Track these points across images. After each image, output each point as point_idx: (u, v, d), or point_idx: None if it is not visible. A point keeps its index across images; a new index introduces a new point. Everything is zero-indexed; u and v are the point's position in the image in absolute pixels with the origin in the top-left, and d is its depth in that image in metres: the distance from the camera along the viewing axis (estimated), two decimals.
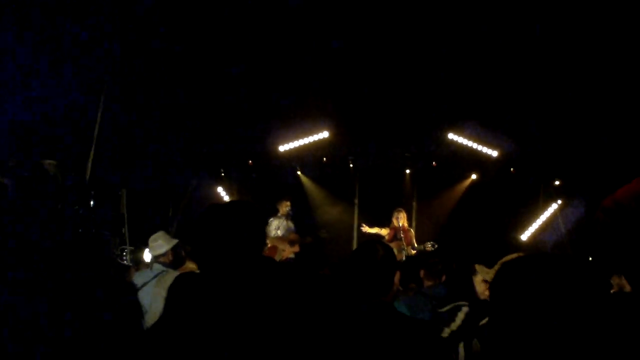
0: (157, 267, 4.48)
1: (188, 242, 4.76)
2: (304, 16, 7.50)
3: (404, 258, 8.45)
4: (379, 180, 10.87)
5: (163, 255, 4.65)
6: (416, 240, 9.11)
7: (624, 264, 1.28)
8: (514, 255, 2.62)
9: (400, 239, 8.75)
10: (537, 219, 10.66)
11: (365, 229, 9.25)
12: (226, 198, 10.78)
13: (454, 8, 7.32)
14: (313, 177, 11.27)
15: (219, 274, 1.86)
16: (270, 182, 10.73)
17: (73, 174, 6.83)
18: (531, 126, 9.25)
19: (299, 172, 11.23)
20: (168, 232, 5.26)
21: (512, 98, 8.68)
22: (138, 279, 4.36)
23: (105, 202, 8.14)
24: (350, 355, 2.05)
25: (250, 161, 10.89)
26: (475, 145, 10.16)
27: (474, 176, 10.99)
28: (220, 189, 10.98)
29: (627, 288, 3.16)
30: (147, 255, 6.35)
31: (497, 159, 10.28)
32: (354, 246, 10.28)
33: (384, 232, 9.08)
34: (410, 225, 9.56)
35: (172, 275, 4.05)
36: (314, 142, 10.34)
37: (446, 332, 3.35)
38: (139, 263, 6.88)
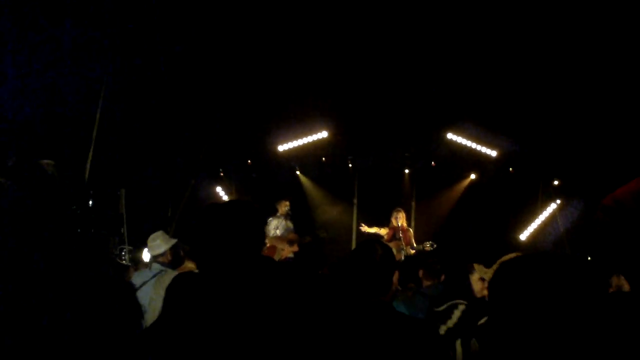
0: (156, 266, 4.48)
1: (187, 242, 4.76)
2: (303, 16, 7.50)
3: (402, 258, 8.45)
4: (378, 180, 10.87)
5: (162, 255, 4.65)
6: (415, 240, 9.11)
7: (623, 263, 1.28)
8: (513, 255, 2.63)
9: (399, 239, 8.74)
10: (536, 218, 10.67)
11: (364, 228, 9.24)
12: (225, 198, 10.78)
13: (453, 8, 7.32)
14: (312, 177, 11.27)
15: (218, 273, 1.86)
16: (269, 181, 10.74)
17: (71, 174, 6.83)
18: (530, 126, 9.25)
19: (298, 172, 11.23)
20: (167, 231, 5.26)
21: (511, 98, 8.68)
22: (137, 278, 4.36)
23: (104, 202, 8.14)
24: (349, 355, 2.05)
25: (249, 161, 10.89)
26: (474, 145, 10.17)
27: (473, 176, 11.00)
28: (219, 189, 10.98)
29: (626, 288, 3.16)
30: (146, 255, 6.35)
31: (496, 159, 10.29)
32: (353, 246, 10.29)
33: (383, 231, 9.08)
34: (409, 225, 9.56)
35: (170, 275, 4.05)
36: (313, 142, 10.34)
37: (443, 330, 3.35)
38: (138, 263, 6.87)
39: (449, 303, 3.51)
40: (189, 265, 4.51)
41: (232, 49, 8.10)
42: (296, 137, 10.25)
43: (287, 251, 7.83)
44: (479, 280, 3.90)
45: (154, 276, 4.30)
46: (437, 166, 10.85)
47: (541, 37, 7.50)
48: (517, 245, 10.25)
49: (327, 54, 8.27)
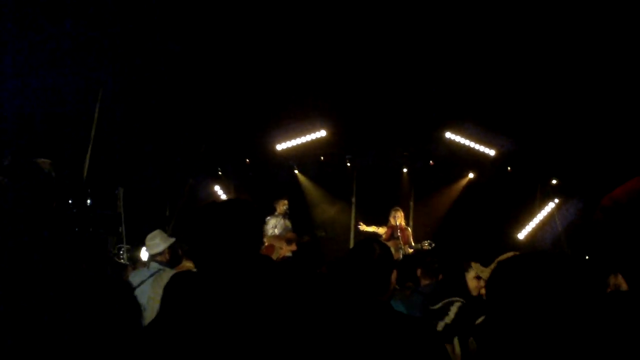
0: (154, 265, 4.48)
1: (185, 241, 4.76)
2: (301, 15, 7.50)
3: (401, 257, 8.45)
4: (377, 179, 10.87)
5: (160, 254, 4.65)
6: (413, 239, 9.12)
7: (622, 263, 1.28)
8: (511, 254, 2.63)
9: (398, 238, 8.75)
10: (534, 217, 10.68)
11: (363, 227, 9.25)
12: (223, 197, 10.78)
13: (451, 7, 7.32)
14: (310, 176, 11.27)
15: (216, 272, 1.86)
16: (267, 180, 10.74)
17: (69, 173, 6.82)
18: (528, 125, 9.26)
19: (296, 171, 11.23)
20: (165, 230, 5.26)
21: (509, 97, 8.69)
22: (135, 277, 4.36)
23: (102, 201, 8.14)
24: (348, 355, 2.05)
25: (247, 160, 10.89)
26: (472, 144, 10.17)
27: (471, 175, 11.01)
28: (217, 188, 10.98)
29: (624, 287, 3.17)
30: (144, 254, 6.35)
31: (494, 158, 10.30)
32: (351, 245, 10.28)
33: (381, 230, 9.08)
34: (407, 224, 9.56)
35: (169, 273, 4.05)
36: (312, 140, 10.34)
37: (441, 326, 3.35)
38: (136, 262, 6.88)
39: (445, 301, 3.52)
40: (187, 264, 4.51)
41: (231, 49, 8.09)
42: (294, 136, 10.25)
43: (285, 250, 7.82)
44: (474, 278, 3.91)
45: (152, 275, 4.30)
46: (435, 165, 10.85)
47: (539, 36, 7.50)
48: (515, 245, 10.26)
49: (326, 53, 8.27)
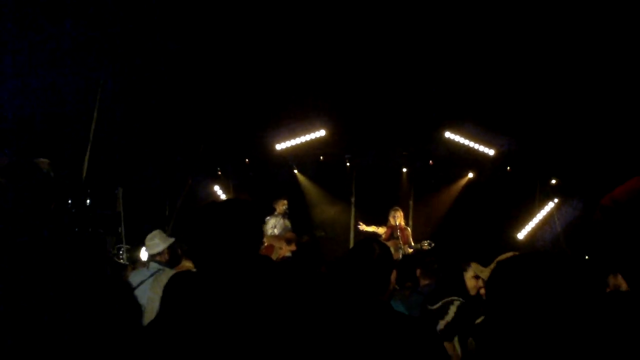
0: (154, 265, 4.48)
1: (184, 241, 4.75)
2: (301, 15, 7.50)
3: (400, 257, 8.45)
4: (376, 178, 10.87)
5: (159, 254, 4.65)
6: (413, 239, 9.12)
7: (622, 263, 1.28)
8: (510, 254, 2.63)
9: (397, 238, 8.75)
10: (533, 217, 10.69)
11: (362, 227, 9.25)
12: (223, 196, 10.78)
13: (451, 7, 7.32)
14: (310, 176, 11.27)
15: (216, 272, 1.86)
16: (267, 180, 10.74)
17: (69, 173, 6.82)
18: (527, 125, 9.26)
19: (295, 171, 11.24)
20: (164, 230, 5.26)
21: (508, 97, 8.69)
22: (134, 277, 4.35)
23: (101, 201, 8.14)
24: (348, 354, 2.05)
25: (247, 160, 10.89)
26: (472, 144, 10.17)
27: (470, 175, 11.01)
28: (217, 188, 10.98)
29: (623, 287, 3.17)
30: (143, 254, 6.35)
31: (493, 158, 10.30)
32: (351, 245, 10.28)
33: (380, 230, 9.08)
34: (407, 224, 9.56)
35: (168, 274, 4.05)
36: (311, 140, 10.33)
37: (442, 325, 3.35)
38: (135, 262, 6.87)
39: (444, 300, 3.52)
40: (187, 264, 4.51)
41: (230, 48, 8.09)
42: (294, 136, 10.24)
43: (284, 250, 7.81)
44: (472, 277, 3.92)
45: (152, 275, 4.30)
46: (435, 165, 10.85)
47: (539, 36, 7.51)
48: (515, 244, 10.27)
49: (325, 52, 8.27)
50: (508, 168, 10.55)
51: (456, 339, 3.37)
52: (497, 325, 1.20)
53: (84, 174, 7.34)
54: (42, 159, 3.95)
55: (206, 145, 10.06)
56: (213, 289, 1.81)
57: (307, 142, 10.35)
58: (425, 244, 8.79)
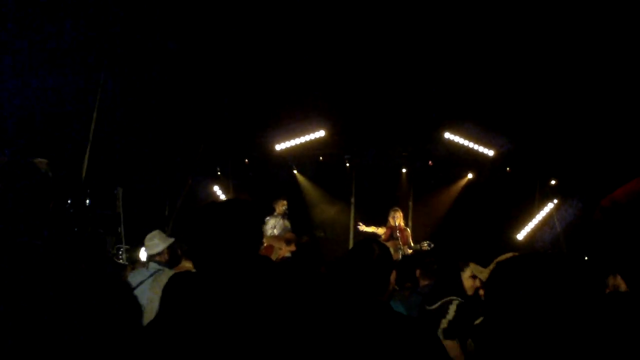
0: (153, 266, 4.47)
1: (184, 241, 4.75)
2: (300, 15, 7.50)
3: (400, 257, 8.45)
4: (376, 179, 10.88)
5: (159, 254, 4.64)
6: (412, 240, 9.12)
7: (622, 264, 1.28)
8: (509, 255, 2.63)
9: (397, 238, 8.75)
10: (533, 218, 10.69)
11: (362, 227, 9.25)
12: (222, 197, 10.77)
13: (450, 7, 7.33)
14: (309, 176, 11.28)
15: (215, 273, 1.86)
16: (266, 181, 10.74)
17: (68, 173, 6.82)
18: (527, 125, 9.26)
19: (295, 171, 11.24)
20: (164, 231, 5.26)
21: (508, 97, 8.69)
22: (134, 277, 4.35)
23: (101, 201, 8.13)
24: (347, 355, 2.05)
25: (246, 160, 10.89)
26: (471, 145, 10.17)
27: (470, 175, 11.02)
28: (216, 188, 10.98)
29: (622, 288, 3.17)
30: (143, 254, 6.35)
31: (493, 158, 10.30)
32: (350, 245, 10.28)
33: (380, 231, 9.09)
34: (406, 224, 9.57)
35: (168, 274, 4.05)
36: (311, 141, 10.34)
37: (444, 323, 3.35)
38: (135, 262, 6.87)
39: (443, 300, 3.51)
40: (186, 264, 4.51)
41: (230, 49, 8.09)
42: (293, 136, 10.24)
43: (284, 250, 7.81)
44: (469, 277, 3.92)
45: (151, 275, 4.29)
46: (434, 165, 10.86)
47: (538, 36, 7.51)
48: (514, 245, 10.27)
49: (325, 53, 8.27)
50: (507, 169, 10.56)
51: (456, 340, 3.37)
52: (496, 327, 1.20)
53: (84, 174, 7.34)
54: (40, 159, 3.95)
55: (206, 145, 10.06)
56: (212, 289, 1.81)
57: (306, 143, 10.35)
58: (425, 245, 8.80)
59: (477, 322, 3.22)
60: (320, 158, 10.85)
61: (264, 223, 8.56)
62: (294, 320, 1.88)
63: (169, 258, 4.69)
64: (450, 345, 3.19)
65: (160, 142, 9.32)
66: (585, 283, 1.15)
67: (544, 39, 7.53)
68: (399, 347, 2.03)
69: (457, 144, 10.24)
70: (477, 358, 2.77)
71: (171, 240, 4.78)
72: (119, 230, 8.21)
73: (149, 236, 4.77)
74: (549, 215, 10.59)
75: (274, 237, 8.38)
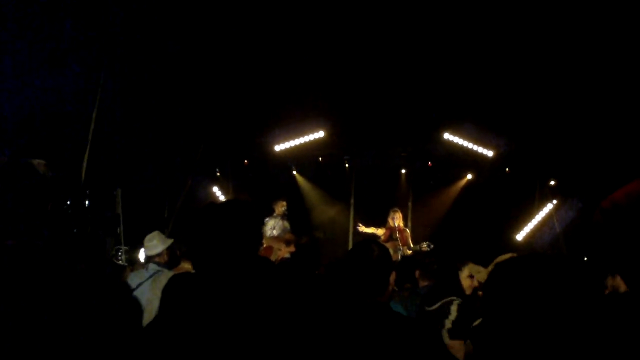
0: (153, 267, 4.47)
1: (184, 242, 4.75)
2: (300, 16, 7.50)
3: (399, 258, 8.45)
4: (375, 180, 10.89)
5: (158, 255, 4.64)
6: (412, 241, 9.12)
7: (622, 265, 1.28)
8: (508, 256, 2.63)
9: (396, 239, 8.76)
10: (532, 218, 10.69)
11: (361, 228, 9.25)
12: (222, 198, 10.77)
13: (450, 8, 7.33)
14: (309, 177, 11.28)
15: (215, 274, 1.86)
16: (266, 181, 10.74)
17: (68, 174, 6.81)
18: (526, 126, 9.27)
19: (294, 172, 11.24)
20: (163, 232, 5.25)
21: (507, 98, 8.70)
22: (133, 279, 4.35)
23: (100, 202, 8.12)
24: (347, 356, 2.05)
25: (246, 161, 10.89)
26: (470, 145, 10.18)
27: (469, 176, 11.02)
28: (215, 189, 10.97)
29: (622, 289, 3.18)
30: (142, 255, 6.34)
31: (492, 159, 10.30)
32: (350, 246, 10.28)
33: (379, 232, 9.09)
34: (406, 225, 9.57)
35: (167, 275, 4.04)
36: (310, 141, 10.34)
37: (448, 324, 3.34)
38: (134, 263, 6.86)
39: (443, 301, 3.50)
40: (186, 265, 4.51)
41: (229, 49, 8.09)
42: (293, 137, 10.24)
43: (283, 251, 7.81)
44: (467, 277, 3.93)
45: (151, 276, 4.29)
46: (433, 166, 10.86)
47: (538, 37, 7.51)
48: (514, 246, 10.27)
49: (324, 53, 8.27)
50: (507, 169, 10.56)
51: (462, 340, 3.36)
52: (494, 328, 1.20)
53: (83, 175, 7.33)
54: (38, 160, 3.94)
55: (205, 146, 10.06)
56: (212, 290, 1.81)
57: (306, 143, 10.36)
58: (424, 246, 8.80)
59: (476, 323, 3.22)
60: (320, 159, 10.85)
61: (263, 224, 8.56)
62: (294, 321, 1.88)
63: (169, 259, 4.68)
64: (457, 346, 3.18)
65: (160, 143, 9.32)
66: (585, 284, 1.15)
67: (543, 40, 7.53)
68: (399, 348, 2.03)
69: (456, 145, 10.24)
70: (475, 359, 2.76)
71: (170, 241, 4.77)
72: (118, 231, 8.20)
73: (148, 237, 4.76)
74: (549, 216, 10.59)
75: (273, 238, 8.38)
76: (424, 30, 7.74)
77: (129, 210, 8.61)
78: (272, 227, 8.70)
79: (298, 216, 9.77)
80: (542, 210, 10.67)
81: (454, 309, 3.40)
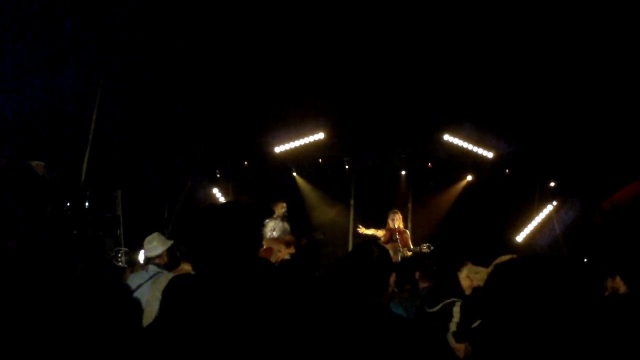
0: (152, 268, 4.46)
1: (183, 244, 4.74)
2: (300, 17, 7.50)
3: (399, 260, 8.45)
4: (375, 181, 10.89)
5: (158, 256, 4.63)
6: (412, 242, 9.11)
7: (622, 266, 1.28)
8: (507, 257, 2.63)
9: (396, 241, 8.75)
10: (532, 220, 10.69)
11: (361, 230, 9.25)
12: (222, 199, 10.77)
13: (450, 9, 7.34)
14: (309, 179, 11.28)
15: (214, 275, 1.86)
16: (266, 183, 10.73)
17: (67, 175, 6.80)
18: (526, 127, 9.27)
19: (294, 174, 11.24)
20: (163, 233, 5.24)
21: (507, 99, 8.70)
22: (133, 280, 4.34)
23: (100, 203, 8.12)
24: (346, 357, 2.05)
25: (246, 162, 10.88)
26: (470, 147, 10.18)
27: (469, 177, 11.01)
28: (215, 190, 10.97)
29: (622, 290, 3.17)
30: (142, 257, 6.34)
31: (492, 160, 10.30)
32: (350, 248, 10.28)
33: (379, 233, 9.08)
34: (405, 226, 9.57)
35: (167, 276, 4.04)
36: (310, 143, 10.34)
37: (453, 327, 3.32)
38: (134, 264, 6.86)
39: (444, 302, 3.49)
40: (185, 267, 4.50)
41: (229, 50, 8.10)
42: (293, 139, 10.25)
43: (283, 253, 7.80)
44: (467, 277, 3.92)
45: (151, 278, 4.28)
46: (433, 168, 10.86)
47: (538, 39, 7.52)
48: (514, 247, 10.26)
49: (324, 55, 8.27)
50: (507, 170, 10.56)
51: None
52: (494, 330, 1.20)
53: (83, 176, 7.33)
54: (37, 162, 3.93)
55: (205, 147, 10.06)
56: (212, 291, 1.81)
57: (306, 145, 10.36)
58: (424, 247, 8.80)
59: (475, 325, 3.21)
60: (320, 160, 10.85)
61: (263, 225, 8.55)
62: (293, 323, 1.88)
63: (168, 260, 4.68)
64: (462, 349, 3.17)
65: (160, 144, 9.32)
66: (585, 286, 1.15)
67: (543, 42, 7.54)
68: (399, 349, 2.03)
69: (456, 146, 10.25)
70: None
71: (170, 242, 4.77)
72: (118, 232, 8.19)
73: (148, 239, 4.76)
74: (548, 217, 10.59)
75: (273, 239, 8.37)
76: (424, 31, 7.75)
77: (129, 211, 8.60)
78: (272, 228, 8.69)
79: (298, 217, 9.76)
80: (542, 211, 10.67)
81: (456, 310, 3.38)
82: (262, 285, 1.89)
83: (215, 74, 8.53)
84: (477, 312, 3.27)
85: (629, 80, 7.44)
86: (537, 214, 10.68)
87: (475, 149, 10.18)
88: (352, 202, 11.12)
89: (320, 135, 10.24)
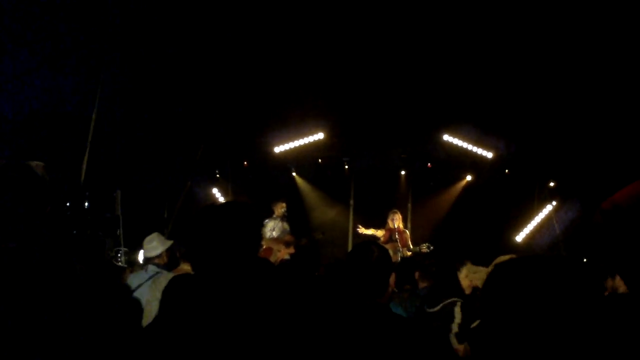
0: (152, 268, 4.46)
1: (183, 244, 4.74)
2: (300, 17, 7.51)
3: (399, 260, 8.45)
4: (374, 181, 10.89)
5: (158, 256, 4.63)
6: (411, 242, 9.11)
7: (621, 266, 1.28)
8: (507, 257, 2.63)
9: (396, 241, 8.75)
10: (532, 220, 10.69)
11: (361, 230, 9.25)
12: (221, 199, 10.77)
13: (450, 9, 7.34)
14: (308, 179, 11.28)
15: (214, 275, 1.86)
16: (265, 183, 10.74)
17: (67, 175, 6.80)
18: (526, 127, 9.27)
19: (294, 174, 11.24)
20: (163, 233, 5.24)
21: (507, 100, 8.70)
22: (133, 280, 4.34)
23: (100, 204, 8.12)
24: (346, 357, 2.05)
25: (245, 162, 10.89)
26: (470, 147, 10.18)
27: (469, 177, 11.01)
28: (215, 190, 10.97)
29: (621, 289, 3.17)
30: (142, 257, 6.34)
31: (492, 160, 10.31)
32: (349, 248, 10.28)
33: (379, 233, 9.08)
34: (405, 226, 9.57)
35: (167, 276, 4.04)
36: (310, 143, 10.35)
37: (455, 328, 3.32)
38: (133, 264, 6.86)
39: (444, 302, 3.48)
40: (185, 267, 4.50)
41: (229, 51, 8.10)
42: (292, 139, 10.25)
43: (283, 253, 7.80)
44: (466, 277, 3.92)
45: (150, 278, 4.28)
46: (433, 168, 10.86)
47: (538, 39, 7.52)
48: (513, 247, 10.26)
49: (324, 55, 8.27)
50: (506, 171, 10.56)
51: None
52: (493, 330, 1.19)
53: (83, 176, 7.33)
54: (37, 162, 3.92)
55: (205, 147, 10.06)
56: (211, 292, 1.81)
57: (305, 145, 10.37)
58: (424, 247, 8.80)
59: (474, 325, 3.21)
60: (319, 160, 10.85)
61: (262, 225, 8.55)
62: (293, 323, 1.87)
63: (168, 260, 4.68)
64: (463, 349, 3.17)
65: (160, 144, 9.32)
66: (584, 285, 1.15)
67: (542, 42, 7.54)
68: (399, 349, 2.03)
69: (456, 146, 10.25)
70: None
71: (170, 242, 4.77)
72: (118, 232, 8.19)
73: (147, 239, 4.76)
74: (548, 217, 10.59)
75: (273, 239, 8.37)
76: (424, 32, 7.75)
77: (129, 211, 8.60)
78: (272, 228, 8.69)
79: (297, 218, 9.77)
80: (541, 211, 10.67)
81: (457, 311, 3.37)
82: (261, 285, 1.89)
83: (215, 74, 8.53)
84: (476, 312, 3.27)
85: (628, 80, 7.44)
86: (537, 214, 10.68)
87: (474, 149, 10.19)
88: (351, 202, 11.12)
89: (320, 136, 10.24)
